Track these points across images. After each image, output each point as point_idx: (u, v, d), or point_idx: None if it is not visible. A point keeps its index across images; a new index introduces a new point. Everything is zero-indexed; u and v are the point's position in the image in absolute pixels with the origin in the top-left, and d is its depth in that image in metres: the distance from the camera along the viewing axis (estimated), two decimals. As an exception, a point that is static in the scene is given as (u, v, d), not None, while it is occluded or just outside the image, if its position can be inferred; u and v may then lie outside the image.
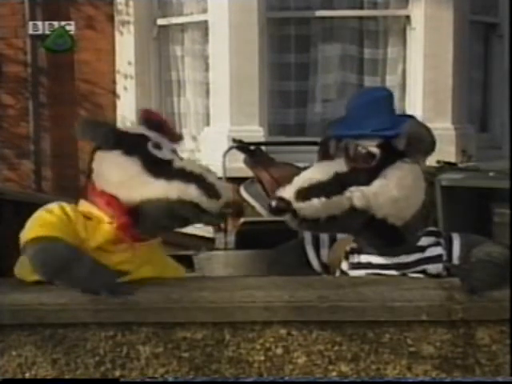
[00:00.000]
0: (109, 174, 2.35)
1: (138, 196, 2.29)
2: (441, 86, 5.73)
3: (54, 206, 2.34)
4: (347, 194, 2.31)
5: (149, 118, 2.50)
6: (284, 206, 2.30)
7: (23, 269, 2.33)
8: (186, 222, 2.38)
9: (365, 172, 2.36)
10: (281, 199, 2.32)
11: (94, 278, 2.21)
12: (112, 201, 2.33)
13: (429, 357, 2.19)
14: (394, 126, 2.43)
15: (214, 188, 2.27)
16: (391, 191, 2.34)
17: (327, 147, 2.46)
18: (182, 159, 2.40)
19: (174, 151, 2.44)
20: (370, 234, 2.43)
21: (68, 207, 2.34)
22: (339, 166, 2.37)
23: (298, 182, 2.33)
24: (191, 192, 2.24)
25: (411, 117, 2.68)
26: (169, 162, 2.35)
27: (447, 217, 4.28)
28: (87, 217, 2.34)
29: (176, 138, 2.51)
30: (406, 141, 2.38)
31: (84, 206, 2.39)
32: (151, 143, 2.38)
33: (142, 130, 2.45)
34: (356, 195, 2.32)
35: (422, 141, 2.41)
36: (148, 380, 2.18)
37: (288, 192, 2.31)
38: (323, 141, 2.50)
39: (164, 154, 2.38)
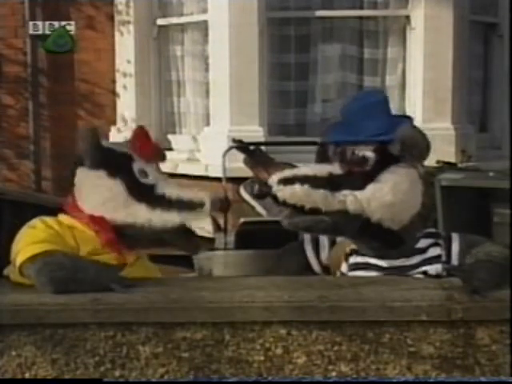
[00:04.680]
0: (92, 194, 2.39)
1: (121, 218, 2.36)
2: (441, 86, 5.73)
3: (36, 222, 2.36)
4: (340, 196, 2.32)
5: (137, 142, 2.51)
6: (265, 190, 2.35)
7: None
8: (173, 245, 2.49)
9: (359, 176, 2.36)
10: (263, 183, 2.38)
11: (102, 276, 2.24)
12: (96, 218, 2.37)
13: (429, 357, 2.19)
14: (390, 130, 2.42)
15: (193, 201, 2.36)
16: (385, 196, 2.33)
17: (325, 152, 2.46)
18: (162, 176, 2.48)
19: (158, 172, 2.50)
20: (368, 238, 2.43)
21: (49, 220, 2.37)
22: (334, 168, 2.38)
23: (285, 172, 2.36)
24: (174, 218, 2.35)
25: (408, 117, 2.68)
26: (151, 187, 2.40)
27: (447, 217, 4.28)
28: (71, 227, 2.37)
29: (160, 158, 2.55)
30: (400, 146, 2.38)
31: (64, 219, 2.41)
32: (137, 168, 2.42)
33: (127, 148, 2.47)
34: (349, 198, 2.32)
35: (415, 146, 2.40)
36: (131, 380, 2.18)
37: (273, 179, 2.35)
38: (320, 146, 2.51)
39: (148, 179, 2.43)
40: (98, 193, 2.38)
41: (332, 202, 2.31)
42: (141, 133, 2.55)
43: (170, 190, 2.40)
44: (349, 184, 2.34)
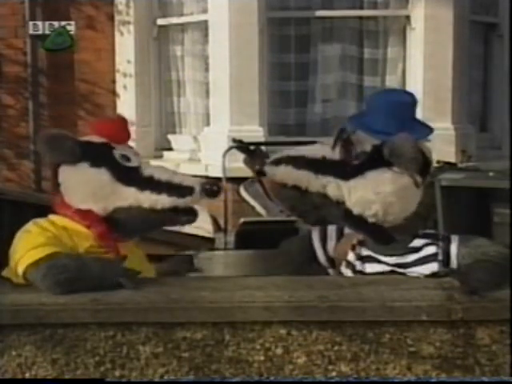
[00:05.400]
0: (80, 188, 2.40)
1: (111, 205, 2.37)
2: (441, 86, 5.73)
3: (30, 226, 2.36)
4: (323, 180, 2.39)
5: (105, 130, 2.51)
6: (258, 169, 2.61)
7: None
8: (163, 225, 2.56)
9: (351, 167, 2.39)
10: (262, 158, 2.66)
11: (108, 272, 2.25)
12: (86, 213, 2.37)
13: (429, 357, 2.19)
14: (394, 132, 2.41)
15: (183, 186, 2.37)
16: (366, 192, 2.35)
17: (338, 137, 2.49)
18: (145, 164, 2.51)
19: (136, 154, 2.51)
20: (355, 229, 2.49)
21: (43, 222, 2.37)
22: (332, 153, 2.44)
23: (279, 153, 2.52)
24: (163, 201, 2.36)
25: (429, 128, 2.61)
26: (136, 169, 2.42)
27: (447, 217, 4.28)
28: (64, 227, 2.37)
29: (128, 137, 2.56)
30: (388, 151, 2.38)
31: (56, 219, 2.41)
32: (118, 154, 2.44)
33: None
34: (331, 185, 2.39)
35: (401, 156, 2.38)
36: (133, 380, 2.18)
37: (269, 160, 2.54)
38: (338, 131, 2.52)
39: (131, 163, 2.45)
40: (85, 185, 2.38)
41: (314, 183, 2.41)
42: (118, 119, 2.61)
43: (159, 172, 2.42)
44: (338, 172, 2.40)
